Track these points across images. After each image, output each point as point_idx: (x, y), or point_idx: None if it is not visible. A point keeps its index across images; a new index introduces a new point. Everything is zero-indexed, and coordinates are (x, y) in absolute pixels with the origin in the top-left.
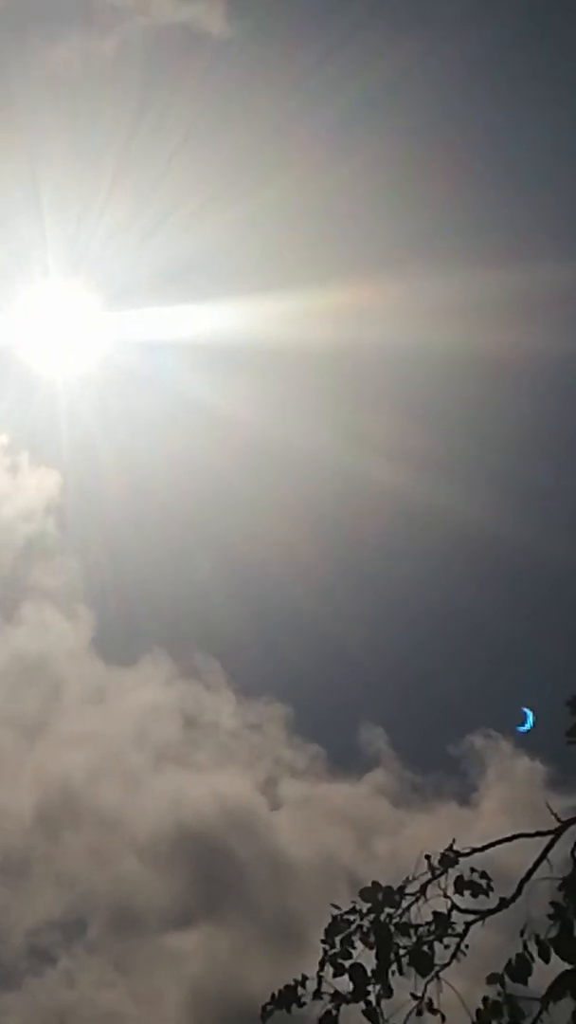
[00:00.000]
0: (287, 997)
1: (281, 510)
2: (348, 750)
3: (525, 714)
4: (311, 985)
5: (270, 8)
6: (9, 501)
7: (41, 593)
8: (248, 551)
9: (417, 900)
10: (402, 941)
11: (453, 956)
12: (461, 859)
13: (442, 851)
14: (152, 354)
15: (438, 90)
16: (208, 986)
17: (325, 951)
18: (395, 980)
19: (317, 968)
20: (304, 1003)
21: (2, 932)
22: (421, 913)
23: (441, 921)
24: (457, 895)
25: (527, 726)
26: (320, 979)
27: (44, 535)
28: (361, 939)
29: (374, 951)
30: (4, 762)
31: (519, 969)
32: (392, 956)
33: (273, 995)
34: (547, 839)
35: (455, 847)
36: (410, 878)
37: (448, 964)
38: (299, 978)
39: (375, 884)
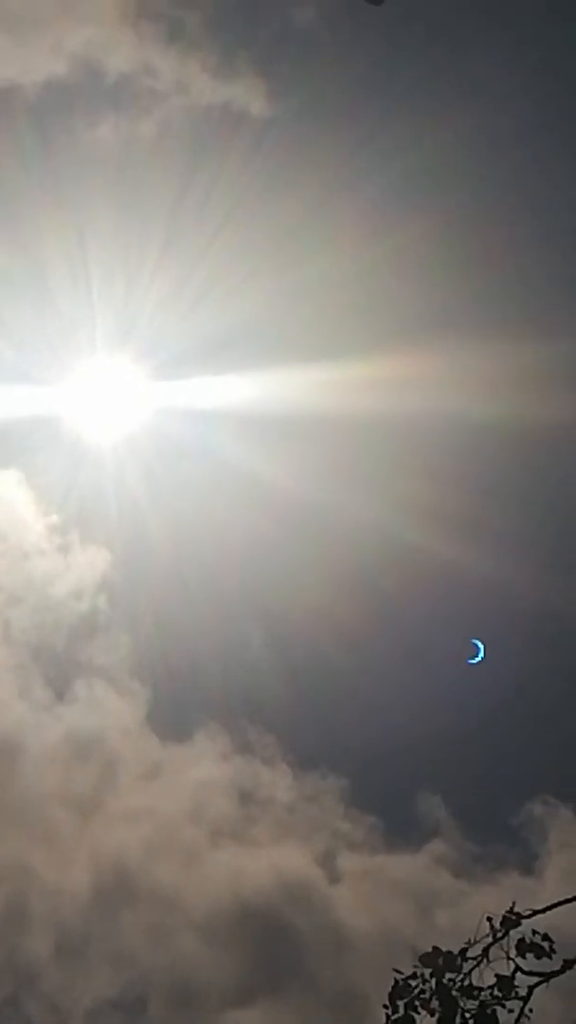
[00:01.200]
0: None
1: (326, 579)
2: (406, 821)
3: (476, 647)
4: None
5: (310, 87)
6: (60, 579)
7: (94, 670)
8: (296, 621)
9: (479, 964)
10: (466, 1004)
11: (518, 1020)
12: (523, 922)
13: (503, 913)
14: (197, 423)
15: (476, 166)
16: None
17: (388, 1016)
18: None
19: None
20: None
21: (63, 1012)
22: (483, 977)
23: (505, 984)
24: (520, 958)
25: (478, 658)
26: None
27: (96, 612)
28: (422, 1005)
29: (435, 1017)
30: (60, 840)
31: None
32: (457, 1020)
33: None
34: None
35: (516, 909)
36: (472, 940)
37: None
38: None
39: (436, 949)
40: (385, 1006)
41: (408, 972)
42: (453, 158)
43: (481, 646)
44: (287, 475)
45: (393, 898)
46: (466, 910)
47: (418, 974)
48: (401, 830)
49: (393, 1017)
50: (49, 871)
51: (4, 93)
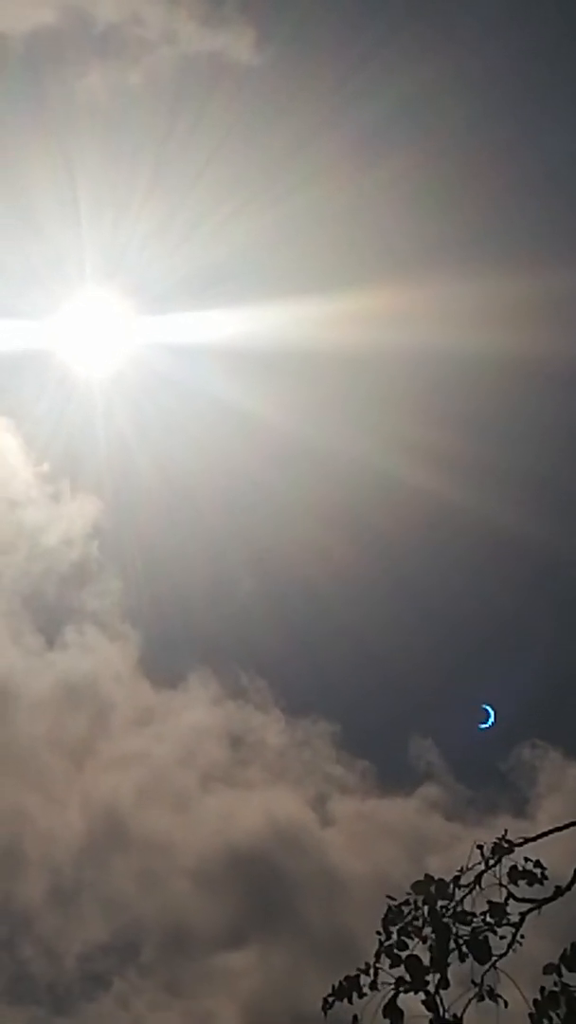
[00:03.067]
0: (348, 988)
1: (316, 516)
2: (398, 765)
3: (487, 712)
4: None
5: (297, 32)
6: (50, 524)
7: (85, 616)
8: (287, 562)
9: (471, 891)
10: (458, 930)
11: (510, 946)
12: (516, 849)
13: (495, 840)
14: (186, 358)
15: (467, 96)
16: (262, 1005)
17: (381, 942)
18: (451, 971)
19: (373, 959)
20: (365, 994)
21: (56, 957)
22: (476, 904)
23: (497, 910)
24: (512, 885)
25: (488, 723)
26: (377, 970)
27: (86, 557)
28: (414, 932)
29: (427, 944)
30: (52, 786)
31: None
32: (450, 946)
33: (334, 986)
34: None
35: (508, 838)
36: (464, 868)
37: (505, 954)
38: (362, 967)
39: (428, 876)
40: (378, 932)
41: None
42: (444, 89)
43: (491, 711)
44: (277, 411)
45: (385, 841)
46: (459, 853)
47: (411, 901)
48: (393, 774)
49: (386, 943)
50: (42, 816)
51: None
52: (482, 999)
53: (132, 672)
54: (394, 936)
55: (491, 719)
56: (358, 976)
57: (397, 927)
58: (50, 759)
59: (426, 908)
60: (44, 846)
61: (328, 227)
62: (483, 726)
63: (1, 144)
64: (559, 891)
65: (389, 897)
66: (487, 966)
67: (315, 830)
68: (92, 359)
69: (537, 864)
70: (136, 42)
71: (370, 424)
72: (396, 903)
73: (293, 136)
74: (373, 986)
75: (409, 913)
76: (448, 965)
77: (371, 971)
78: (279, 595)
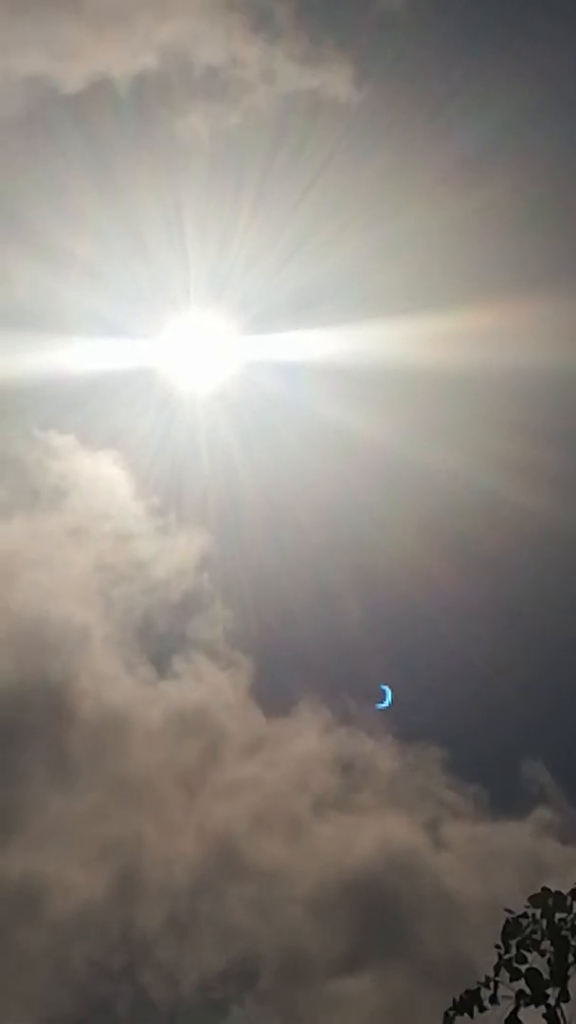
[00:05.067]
0: (469, 1002)
1: (421, 536)
2: (510, 788)
3: (384, 692)
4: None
5: (395, 68)
6: (161, 553)
7: (196, 645)
8: (392, 583)
9: None
10: None
11: None
12: None
13: None
14: (288, 377)
15: (563, 120)
16: None
17: (500, 956)
18: (571, 984)
19: (493, 973)
20: (485, 1008)
21: (174, 984)
22: None
23: None
24: None
25: (386, 703)
26: (497, 984)
27: (195, 586)
28: (532, 946)
29: (547, 957)
30: (167, 815)
31: None
32: (569, 959)
33: (455, 1000)
34: None
35: None
36: None
37: None
38: (482, 980)
39: (545, 889)
40: (497, 946)
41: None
42: (539, 114)
43: (388, 691)
44: (380, 430)
45: (499, 866)
46: (574, 877)
47: (529, 914)
48: (505, 798)
49: (505, 957)
50: (158, 845)
51: (99, 85)
52: None
53: (243, 700)
54: (513, 950)
55: (388, 699)
56: (478, 990)
57: (516, 940)
58: (164, 788)
59: (544, 921)
60: (161, 874)
61: (426, 248)
62: (380, 706)
63: (112, 177)
64: None
65: (507, 911)
66: None
67: (428, 855)
68: (197, 378)
69: None
70: (236, 83)
71: (472, 442)
72: (514, 916)
73: (392, 162)
74: (493, 1000)
75: (528, 926)
76: (568, 978)
77: (491, 985)
78: (386, 619)
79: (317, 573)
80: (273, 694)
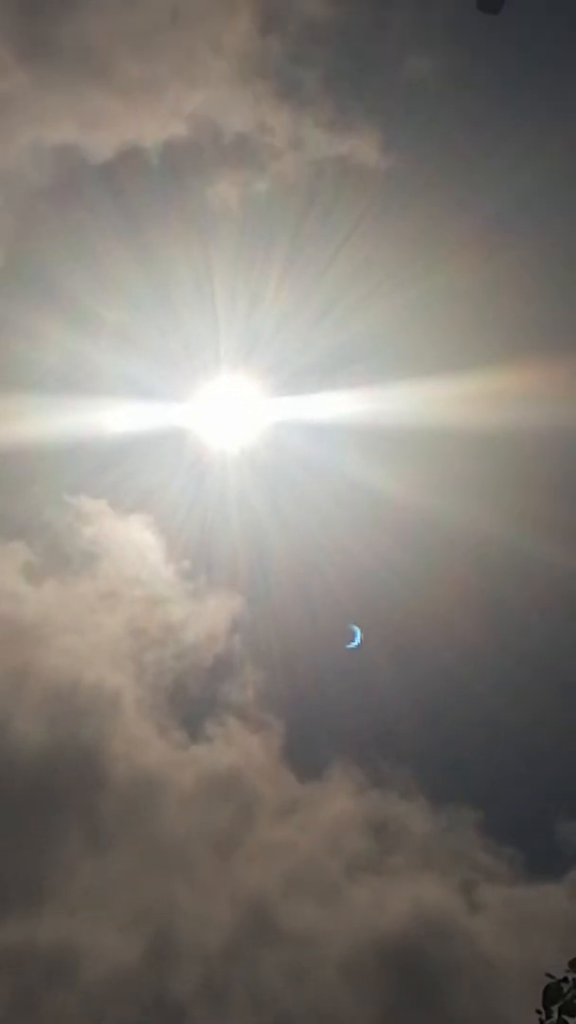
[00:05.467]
0: None
1: (453, 597)
2: (545, 850)
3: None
4: None
5: (423, 133)
6: (189, 616)
7: (228, 709)
8: (423, 644)
9: None
10: None
11: None
12: None
13: None
14: (318, 437)
15: None
16: None
17: (541, 1021)
18: None
19: None
20: None
21: None
22: None
23: None
24: None
25: (355, 643)
26: None
27: (226, 649)
28: (573, 1011)
29: None
30: (200, 879)
31: None
32: None
33: None
34: None
35: None
36: None
37: None
38: None
39: None
40: (538, 1011)
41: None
42: (568, 177)
43: (358, 631)
44: (411, 490)
45: (536, 928)
46: None
47: (569, 978)
48: (541, 859)
49: (547, 1022)
50: (191, 909)
51: (129, 153)
52: None
53: (275, 763)
54: (555, 1015)
55: (357, 639)
56: None
57: (558, 1005)
58: (197, 852)
59: None
60: (194, 938)
61: (455, 310)
62: (350, 645)
63: (143, 243)
64: None
65: (548, 975)
66: None
67: (463, 918)
68: (227, 438)
69: None
70: (264, 149)
71: (502, 501)
72: (555, 981)
73: (420, 225)
74: None
75: (569, 991)
76: None
77: None
78: (418, 680)
79: (347, 634)
80: (305, 756)
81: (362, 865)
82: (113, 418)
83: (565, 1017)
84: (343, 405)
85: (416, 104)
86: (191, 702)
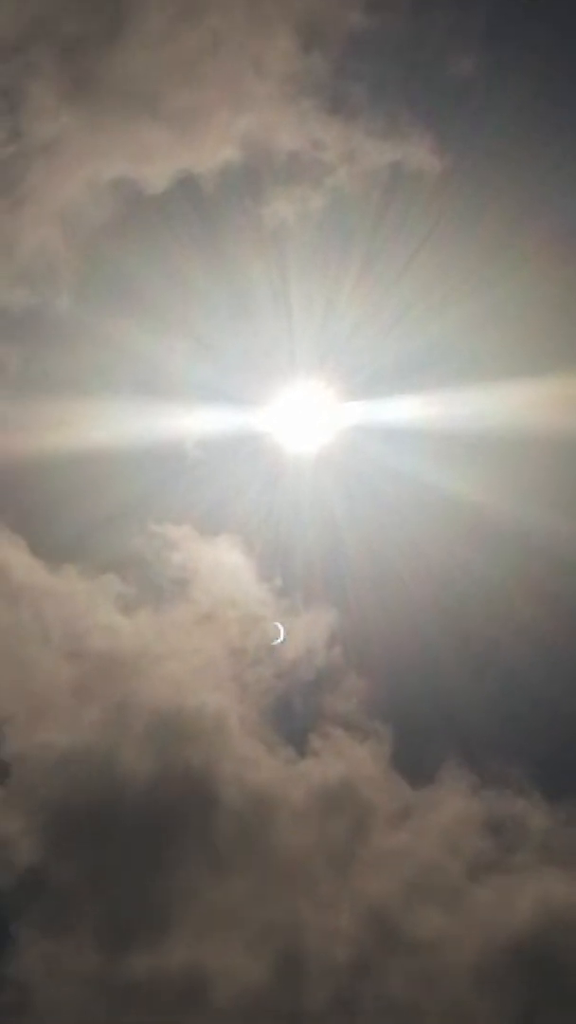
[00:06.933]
0: None
1: (535, 600)
2: None
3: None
4: None
5: (478, 135)
6: (290, 635)
7: (334, 721)
8: (515, 644)
9: None
10: None
11: None
12: None
13: None
14: (395, 442)
15: None
16: None
17: None
18: None
19: None
20: None
21: None
22: None
23: None
24: None
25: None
26: None
27: (327, 664)
28: None
29: None
30: (321, 894)
31: None
32: None
33: None
34: None
35: None
36: None
37: None
38: None
39: None
40: None
41: None
42: None
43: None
44: (489, 495)
45: None
46: None
47: None
48: None
49: None
50: (316, 923)
51: (184, 182)
52: None
53: (385, 770)
54: None
55: (281, 635)
56: None
57: None
58: (316, 866)
59: None
60: (321, 953)
61: (531, 312)
62: (275, 641)
63: (212, 264)
64: None
65: None
66: None
67: None
68: (302, 443)
69: None
70: (317, 166)
71: None
72: None
73: (488, 225)
74: None
75: None
76: None
77: None
78: (518, 678)
79: (443, 637)
80: (415, 761)
81: (484, 866)
82: (193, 422)
83: None
84: (420, 408)
85: (465, 102)
86: (296, 717)
